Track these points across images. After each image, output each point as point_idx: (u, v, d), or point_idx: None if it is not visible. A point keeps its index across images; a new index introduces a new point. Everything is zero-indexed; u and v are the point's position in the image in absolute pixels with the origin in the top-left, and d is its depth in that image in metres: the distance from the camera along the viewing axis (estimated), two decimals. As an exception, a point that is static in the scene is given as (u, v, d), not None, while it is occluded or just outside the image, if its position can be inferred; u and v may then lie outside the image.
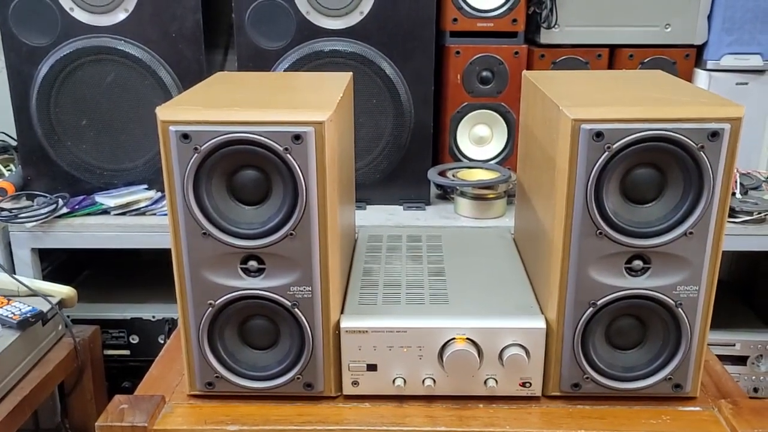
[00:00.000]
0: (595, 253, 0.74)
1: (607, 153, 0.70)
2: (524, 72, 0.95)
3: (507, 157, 1.53)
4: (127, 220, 1.38)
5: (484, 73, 1.48)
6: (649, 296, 0.75)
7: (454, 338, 0.78)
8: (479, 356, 0.78)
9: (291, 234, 0.72)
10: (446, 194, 1.51)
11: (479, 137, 1.53)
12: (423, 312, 0.81)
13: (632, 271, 0.75)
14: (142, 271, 1.68)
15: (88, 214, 1.40)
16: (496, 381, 0.79)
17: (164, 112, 0.70)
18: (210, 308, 0.75)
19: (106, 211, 1.40)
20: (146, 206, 1.40)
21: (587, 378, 0.79)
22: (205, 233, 0.73)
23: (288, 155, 0.70)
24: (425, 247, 0.99)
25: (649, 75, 0.93)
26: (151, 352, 1.50)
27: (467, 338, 0.78)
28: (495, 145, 1.53)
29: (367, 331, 0.78)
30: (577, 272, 0.75)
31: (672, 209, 0.73)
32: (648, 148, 0.70)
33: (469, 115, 1.50)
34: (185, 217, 0.72)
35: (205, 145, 0.69)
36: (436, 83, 1.43)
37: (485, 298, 0.84)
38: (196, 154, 0.70)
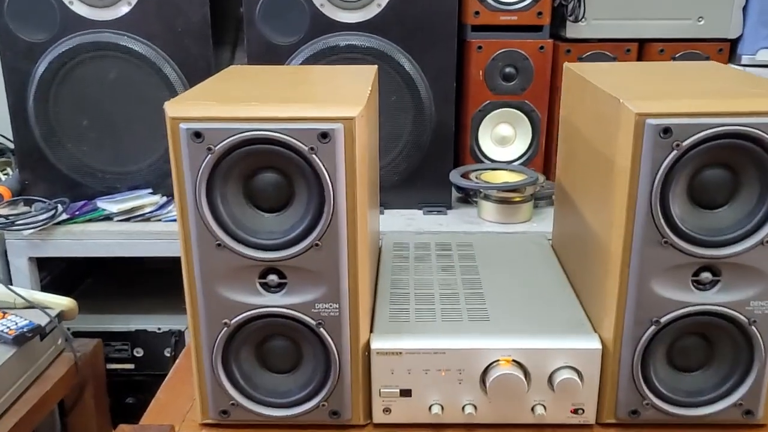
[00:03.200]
0: (659, 265, 0.66)
1: (675, 152, 0.62)
2: (566, 64, 0.86)
3: (531, 158, 1.44)
4: (130, 227, 1.30)
5: (508, 70, 1.40)
6: (719, 313, 0.67)
7: (498, 360, 0.69)
8: (526, 380, 0.69)
9: (316, 245, 0.64)
10: (468, 197, 1.42)
11: (502, 137, 1.45)
12: (462, 330, 0.72)
13: (700, 285, 0.67)
14: (147, 280, 1.60)
15: (90, 221, 1.32)
16: (545, 407, 0.70)
17: (174, 108, 0.62)
18: (225, 328, 0.67)
19: (108, 217, 1.32)
20: (151, 212, 1.32)
21: (647, 404, 0.70)
22: (219, 244, 0.64)
23: (314, 156, 0.61)
24: (456, 256, 0.91)
25: (704, 66, 0.84)
26: (156, 365, 1.43)
27: (513, 360, 0.69)
28: (518, 146, 1.45)
29: (400, 353, 0.69)
30: (638, 286, 0.66)
31: (746, 215, 0.65)
32: (722, 145, 0.62)
33: (492, 113, 1.42)
34: (197, 226, 0.64)
35: (219, 145, 0.61)
36: (456, 80, 1.35)
37: (529, 314, 0.75)
38: (209, 155, 0.62)
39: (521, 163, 1.43)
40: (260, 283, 0.67)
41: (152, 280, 1.59)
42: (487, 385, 0.69)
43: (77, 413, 1.28)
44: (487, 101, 1.41)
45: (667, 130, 0.61)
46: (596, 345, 0.69)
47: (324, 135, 0.61)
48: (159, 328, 1.40)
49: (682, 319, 0.67)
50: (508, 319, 0.74)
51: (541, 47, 1.39)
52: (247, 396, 0.70)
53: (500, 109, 1.42)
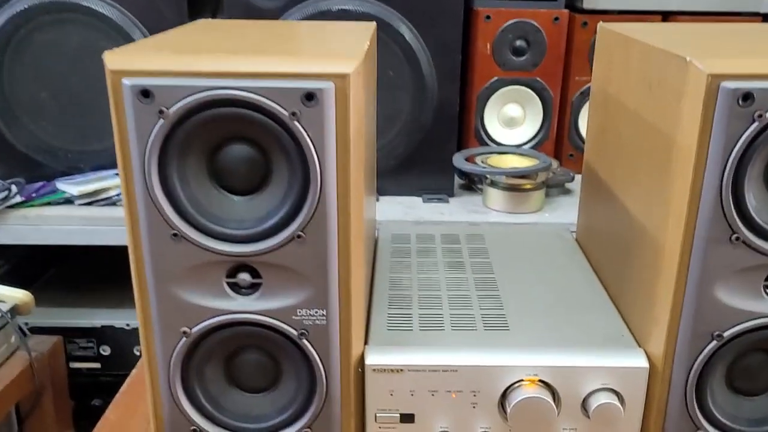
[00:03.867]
0: (726, 267, 0.53)
1: (756, 124, 0.49)
2: (601, 24, 0.73)
3: (542, 142, 1.31)
4: (94, 212, 1.16)
5: (518, 43, 1.26)
6: (797, 326, 0.54)
7: (522, 380, 0.56)
8: (556, 404, 0.56)
9: (299, 236, 0.51)
10: (472, 184, 1.29)
11: (510, 118, 1.31)
12: (477, 342, 0.59)
13: (773, 292, 0.54)
14: (115, 271, 1.45)
15: (48, 204, 1.18)
16: (577, 437, 0.58)
17: (115, 58, 0.48)
18: (184, 338, 0.54)
19: (69, 200, 1.18)
20: (118, 195, 1.17)
21: (700, 434, 0.58)
22: (176, 234, 0.51)
23: (296, 123, 0.48)
24: (466, 251, 0.78)
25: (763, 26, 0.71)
26: (125, 365, 1.30)
27: (540, 380, 0.56)
28: (528, 128, 1.32)
29: (401, 370, 0.56)
30: (699, 292, 0.53)
31: (837, 206, 0.52)
32: (814, 117, 0.49)
33: (500, 91, 1.28)
34: (148, 212, 0.50)
35: (175, 107, 0.48)
36: (461, 54, 1.21)
37: (557, 323, 0.62)
38: (161, 121, 0.48)
39: (531, 147, 1.30)
40: (228, 284, 0.53)
41: (121, 272, 1.44)
42: (508, 410, 0.56)
43: (35, 418, 1.15)
44: (495, 78, 1.27)
45: (747, 96, 0.48)
46: (642, 363, 0.57)
47: (309, 96, 0.47)
48: (128, 324, 1.27)
49: (751, 333, 0.55)
50: (531, 328, 0.62)
51: (556, 18, 1.25)
52: (213, 420, 0.56)
53: (509, 87, 1.28)
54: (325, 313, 0.53)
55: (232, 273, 0.53)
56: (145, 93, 0.47)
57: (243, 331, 0.54)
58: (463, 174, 1.28)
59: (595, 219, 0.76)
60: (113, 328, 1.28)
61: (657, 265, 0.55)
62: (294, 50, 0.54)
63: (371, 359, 0.56)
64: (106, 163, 1.22)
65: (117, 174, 1.19)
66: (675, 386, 0.57)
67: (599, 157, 0.73)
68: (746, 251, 0.52)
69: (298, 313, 0.53)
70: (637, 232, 0.60)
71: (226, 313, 0.53)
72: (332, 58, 0.49)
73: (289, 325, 0.54)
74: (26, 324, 1.16)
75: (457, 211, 1.20)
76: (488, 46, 1.25)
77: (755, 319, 0.54)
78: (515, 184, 1.17)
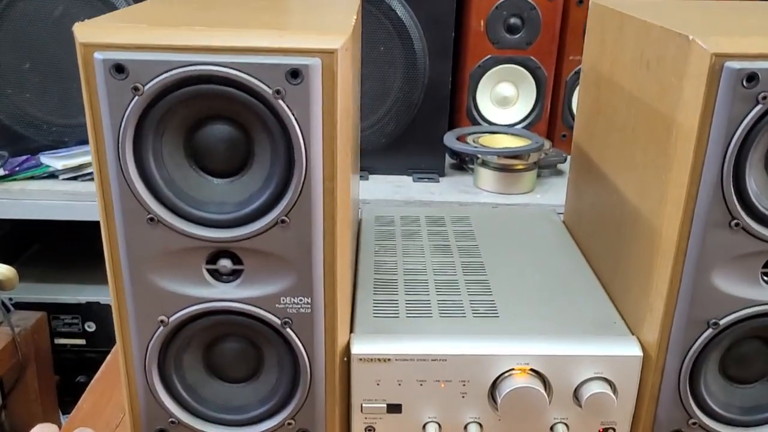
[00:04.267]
0: (725, 253, 0.51)
1: (760, 106, 0.47)
2: (592, 1, 0.70)
3: (535, 122, 1.29)
4: (78, 186, 1.14)
5: (512, 20, 1.23)
6: (795, 314, 0.53)
7: (512, 369, 0.55)
8: (547, 394, 0.55)
9: (283, 221, 0.49)
10: (463, 164, 1.27)
11: (502, 97, 1.29)
12: (466, 330, 0.57)
13: (770, 279, 0.53)
14: (101, 247, 1.43)
15: (31, 178, 1.15)
16: (568, 427, 0.56)
17: (86, 31, 0.45)
18: (161, 327, 0.52)
19: (53, 175, 1.16)
20: None
21: (694, 423, 0.56)
22: (152, 219, 0.49)
23: (280, 102, 0.45)
24: (452, 233, 0.76)
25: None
26: (110, 341, 1.27)
27: (531, 369, 0.55)
28: (520, 108, 1.29)
29: (389, 360, 0.55)
30: (695, 279, 0.52)
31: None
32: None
33: (492, 70, 1.25)
34: (122, 194, 0.48)
35: (151, 84, 0.45)
36: (454, 31, 1.18)
37: (548, 311, 0.61)
38: (137, 97, 0.45)
39: (523, 127, 1.28)
40: (208, 270, 0.51)
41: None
42: (498, 399, 0.55)
43: (18, 393, 1.14)
44: (488, 56, 1.24)
45: (752, 77, 0.46)
46: (636, 351, 0.55)
47: (294, 73, 0.45)
48: (112, 302, 1.25)
49: (747, 321, 0.53)
50: (521, 315, 0.60)
51: (552, -5, 1.22)
52: (192, 411, 0.55)
53: (502, 65, 1.25)
54: (309, 301, 0.51)
55: (212, 259, 0.51)
56: (119, 68, 0.45)
57: (224, 319, 0.52)
58: (454, 153, 1.25)
59: (586, 202, 0.74)
60: (98, 304, 1.27)
61: (653, 250, 0.54)
62: (278, 24, 0.51)
63: (357, 348, 0.54)
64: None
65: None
66: (668, 374, 0.55)
67: (590, 138, 0.71)
68: (745, 237, 0.51)
69: (282, 301, 0.51)
70: (631, 215, 0.59)
71: (206, 302, 0.51)
72: (318, 32, 0.46)
73: (272, 314, 0.51)
74: (10, 299, 1.14)
75: (447, 191, 1.18)
76: (482, 23, 1.22)
77: (752, 306, 0.53)
78: (507, 165, 1.15)
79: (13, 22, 1.13)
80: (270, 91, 0.45)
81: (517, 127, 1.27)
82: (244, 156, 0.49)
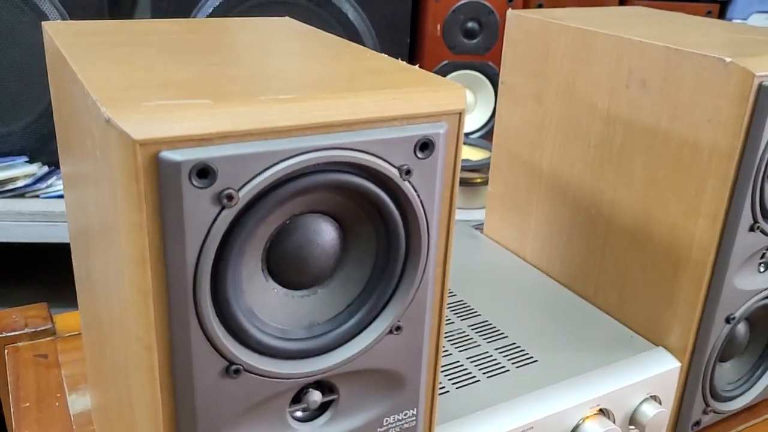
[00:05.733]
0: (742, 254, 0.55)
1: (785, 119, 0.50)
2: (512, 12, 0.68)
3: (492, 131, 1.24)
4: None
5: (470, 24, 1.16)
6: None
7: (586, 415, 0.52)
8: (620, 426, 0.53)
9: (398, 327, 0.38)
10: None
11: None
12: (521, 386, 0.53)
13: (765, 266, 0.58)
14: (23, 271, 1.22)
15: None
16: (625, 452, 0.56)
17: (133, 118, 0.29)
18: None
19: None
20: (26, 185, 1.00)
21: (709, 410, 0.61)
22: (237, 370, 0.34)
23: (407, 183, 0.35)
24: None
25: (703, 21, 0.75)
26: None
27: (600, 409, 0.53)
28: (478, 115, 1.23)
29: (483, 446, 0.47)
30: (720, 282, 0.55)
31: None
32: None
33: (450, 76, 1.17)
34: (194, 343, 0.32)
35: (247, 188, 0.31)
36: (410, 36, 1.09)
37: (566, 341, 0.59)
38: (225, 209, 0.31)
39: (480, 136, 1.22)
40: (291, 413, 0.38)
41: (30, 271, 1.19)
42: (581, 449, 0.52)
43: None
44: (445, 61, 1.16)
45: (782, 94, 0.49)
46: (674, 362, 0.57)
47: (424, 146, 0.35)
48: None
49: (751, 309, 0.58)
50: (550, 350, 0.57)
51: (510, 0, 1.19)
52: None
53: (459, 71, 1.18)
54: (415, 412, 0.42)
55: (298, 396, 0.38)
56: (203, 173, 0.29)
57: (313, 468, 0.39)
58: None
59: (539, 219, 0.73)
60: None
61: (677, 260, 0.55)
62: (375, 81, 0.38)
63: (448, 445, 0.46)
64: (12, 149, 1.01)
65: (26, 162, 1.00)
66: (693, 374, 0.58)
67: (538, 153, 0.70)
68: (761, 237, 0.55)
69: (384, 423, 0.41)
70: (635, 230, 0.59)
71: (295, 454, 0.38)
72: (435, 88, 0.36)
73: (372, 441, 0.41)
74: None
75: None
76: (438, 28, 1.13)
77: (756, 295, 0.58)
78: (464, 178, 1.08)
79: None
80: (396, 172, 0.34)
81: (473, 136, 1.21)
82: (335, 261, 0.37)
